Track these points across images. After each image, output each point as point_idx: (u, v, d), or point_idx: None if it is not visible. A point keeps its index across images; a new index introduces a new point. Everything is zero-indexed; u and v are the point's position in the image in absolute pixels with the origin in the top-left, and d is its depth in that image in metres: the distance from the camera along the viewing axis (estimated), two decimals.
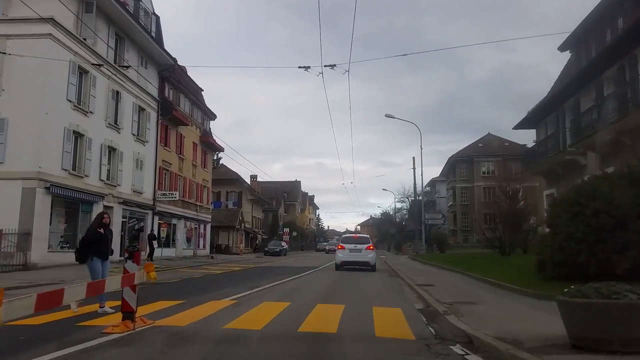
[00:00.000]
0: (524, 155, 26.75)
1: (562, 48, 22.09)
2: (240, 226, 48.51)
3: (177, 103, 31.58)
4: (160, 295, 9.15)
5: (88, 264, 7.65)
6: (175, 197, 29.49)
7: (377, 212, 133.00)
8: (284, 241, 51.27)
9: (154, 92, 27.50)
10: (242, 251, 45.22)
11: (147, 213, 27.25)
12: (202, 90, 37.61)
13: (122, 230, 24.07)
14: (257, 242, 57.15)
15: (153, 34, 26.62)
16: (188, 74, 34.25)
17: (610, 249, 8.48)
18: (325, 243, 70.83)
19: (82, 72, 20.26)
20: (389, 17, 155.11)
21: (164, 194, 28.49)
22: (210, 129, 38.64)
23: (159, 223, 27.70)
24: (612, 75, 16.43)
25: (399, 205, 69.44)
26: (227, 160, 67.12)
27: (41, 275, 14.11)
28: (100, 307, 7.33)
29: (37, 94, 17.65)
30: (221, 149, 40.39)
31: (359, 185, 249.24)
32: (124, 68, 23.28)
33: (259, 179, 60.21)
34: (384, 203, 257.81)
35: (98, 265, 7.64)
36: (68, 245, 19.27)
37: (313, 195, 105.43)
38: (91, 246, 7.69)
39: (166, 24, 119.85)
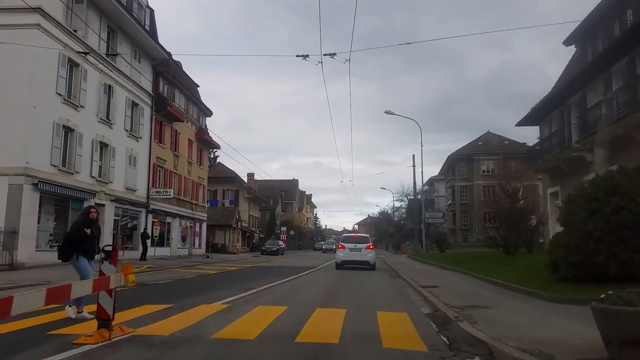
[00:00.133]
0: (527, 152, 26.19)
1: (567, 42, 21.60)
2: (237, 225, 47.76)
3: (172, 98, 30.81)
4: (146, 299, 8.51)
5: (73, 263, 7.03)
6: (169, 195, 28.77)
7: (374, 211, 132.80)
8: (282, 240, 50.64)
9: (148, 86, 26.79)
10: (238, 250, 44.57)
11: (141, 211, 26.53)
12: (198, 86, 36.89)
13: (114, 229, 23.38)
14: (254, 241, 56.45)
15: (147, 27, 25.90)
16: (183, 69, 33.55)
17: (632, 248, 7.93)
18: (322, 242, 70.22)
19: (73, 64, 19.56)
20: (388, 17, 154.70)
21: (158, 192, 27.81)
22: (206, 125, 37.90)
23: (152, 221, 26.97)
24: (621, 68, 15.88)
25: (397, 204, 69.08)
26: (225, 158, 66.55)
27: (28, 276, 13.56)
28: (79, 312, 6.67)
29: (24, 87, 17.00)
30: (217, 146, 39.74)
31: (357, 185, 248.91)
32: (115, 59, 22.54)
33: (256, 177, 59.56)
34: (382, 202, 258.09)
35: (84, 262, 7.00)
36: (57, 244, 18.48)
37: (311, 194, 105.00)
38: (75, 245, 7.06)
39: (165, 23, 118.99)
